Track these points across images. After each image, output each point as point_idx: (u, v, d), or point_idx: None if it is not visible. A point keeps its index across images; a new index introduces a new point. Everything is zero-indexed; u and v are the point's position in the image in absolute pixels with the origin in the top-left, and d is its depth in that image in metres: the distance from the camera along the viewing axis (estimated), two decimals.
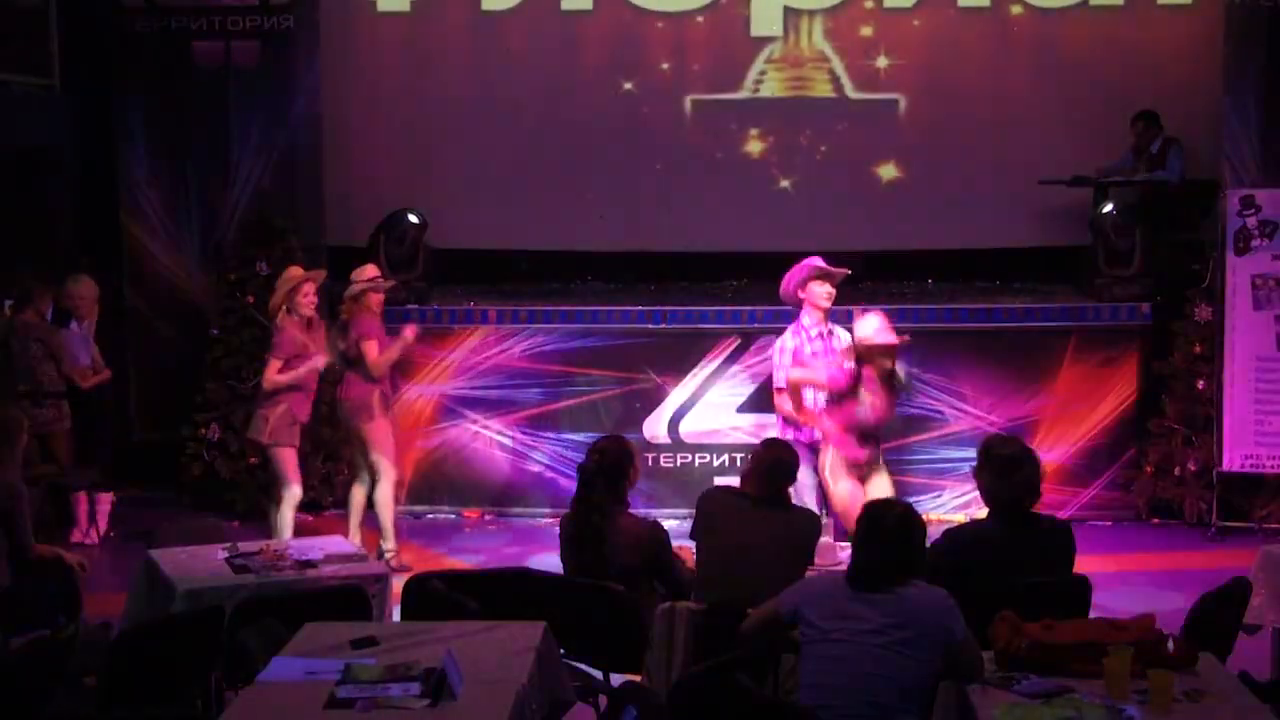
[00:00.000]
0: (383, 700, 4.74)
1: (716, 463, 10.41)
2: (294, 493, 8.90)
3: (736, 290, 11.55)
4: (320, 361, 8.96)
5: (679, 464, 10.57)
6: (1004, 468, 5.92)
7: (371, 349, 9.05)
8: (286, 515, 8.85)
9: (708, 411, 10.56)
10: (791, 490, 7.10)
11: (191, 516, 10.35)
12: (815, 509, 7.99)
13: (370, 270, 9.33)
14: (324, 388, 10.09)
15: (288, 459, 8.90)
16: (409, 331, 9.37)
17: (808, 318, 8.57)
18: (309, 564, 6.77)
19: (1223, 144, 10.57)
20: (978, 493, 6.19)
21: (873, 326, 8.20)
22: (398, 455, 9.56)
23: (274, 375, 8.81)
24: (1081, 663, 4.90)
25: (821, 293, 8.48)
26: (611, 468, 6.40)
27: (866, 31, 11.80)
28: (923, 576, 5.01)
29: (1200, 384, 10.03)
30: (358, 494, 9.34)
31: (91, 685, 5.78)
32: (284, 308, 8.90)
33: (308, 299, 8.93)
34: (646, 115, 11.96)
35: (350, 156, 11.81)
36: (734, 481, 7.44)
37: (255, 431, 9.01)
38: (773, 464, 6.39)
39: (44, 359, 9.71)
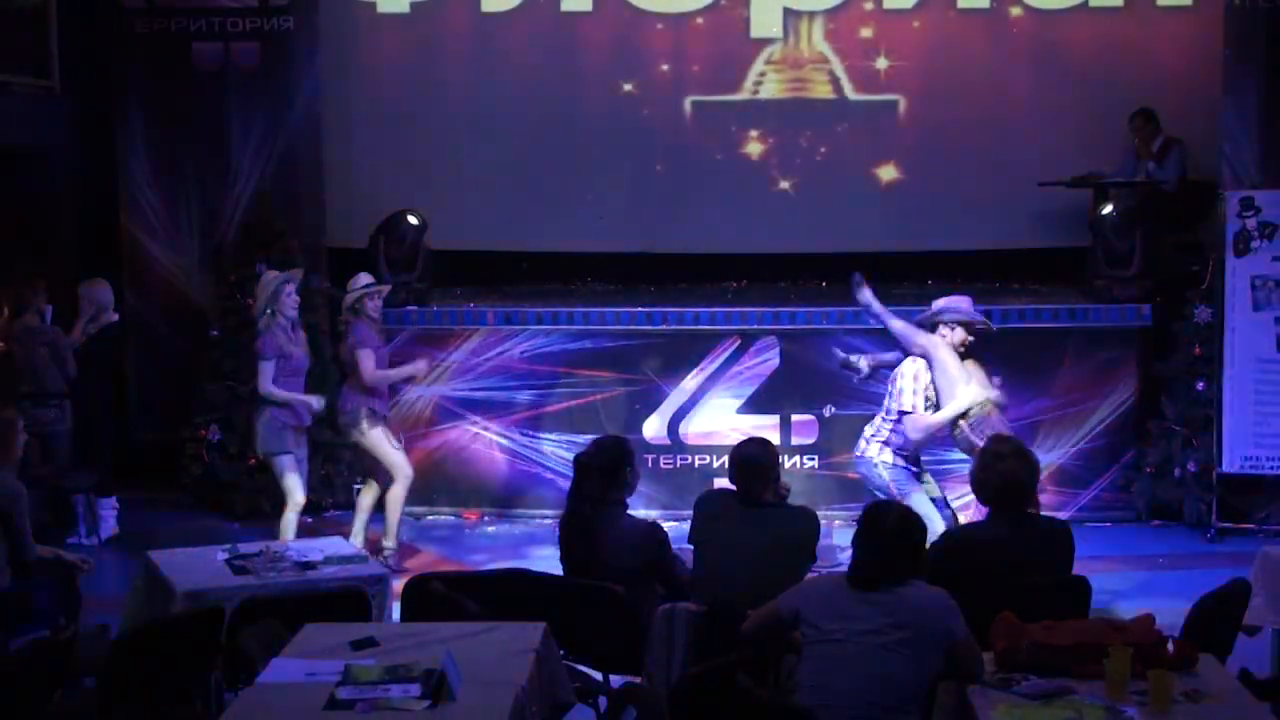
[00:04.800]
0: (383, 701, 4.75)
1: (716, 464, 10.39)
2: (296, 500, 8.81)
3: (736, 291, 11.55)
4: (316, 403, 8.90)
5: (678, 465, 10.57)
6: (988, 460, 6.02)
7: (366, 359, 8.93)
8: (289, 519, 8.79)
9: (707, 413, 10.56)
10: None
11: (191, 518, 10.39)
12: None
13: (364, 278, 9.24)
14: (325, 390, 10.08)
15: (285, 465, 8.80)
16: (421, 364, 9.45)
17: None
18: (309, 565, 6.77)
19: (1222, 145, 10.57)
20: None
21: None
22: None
23: (270, 385, 8.71)
24: (1081, 664, 4.90)
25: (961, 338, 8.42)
26: (609, 463, 6.41)
27: (866, 33, 11.80)
28: (923, 577, 5.02)
29: (1200, 385, 10.03)
30: (365, 497, 9.30)
31: (91, 686, 5.79)
32: (268, 311, 8.80)
33: (291, 299, 8.83)
34: (646, 116, 11.97)
35: (350, 157, 11.82)
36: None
37: (254, 444, 9.04)
38: (738, 462, 6.38)
39: (49, 361, 9.70)
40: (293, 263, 10.36)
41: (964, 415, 8.08)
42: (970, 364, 8.32)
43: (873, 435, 8.28)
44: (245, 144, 11.32)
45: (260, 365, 8.75)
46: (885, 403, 8.33)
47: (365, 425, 9.01)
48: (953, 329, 8.31)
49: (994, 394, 8.28)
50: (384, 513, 9.22)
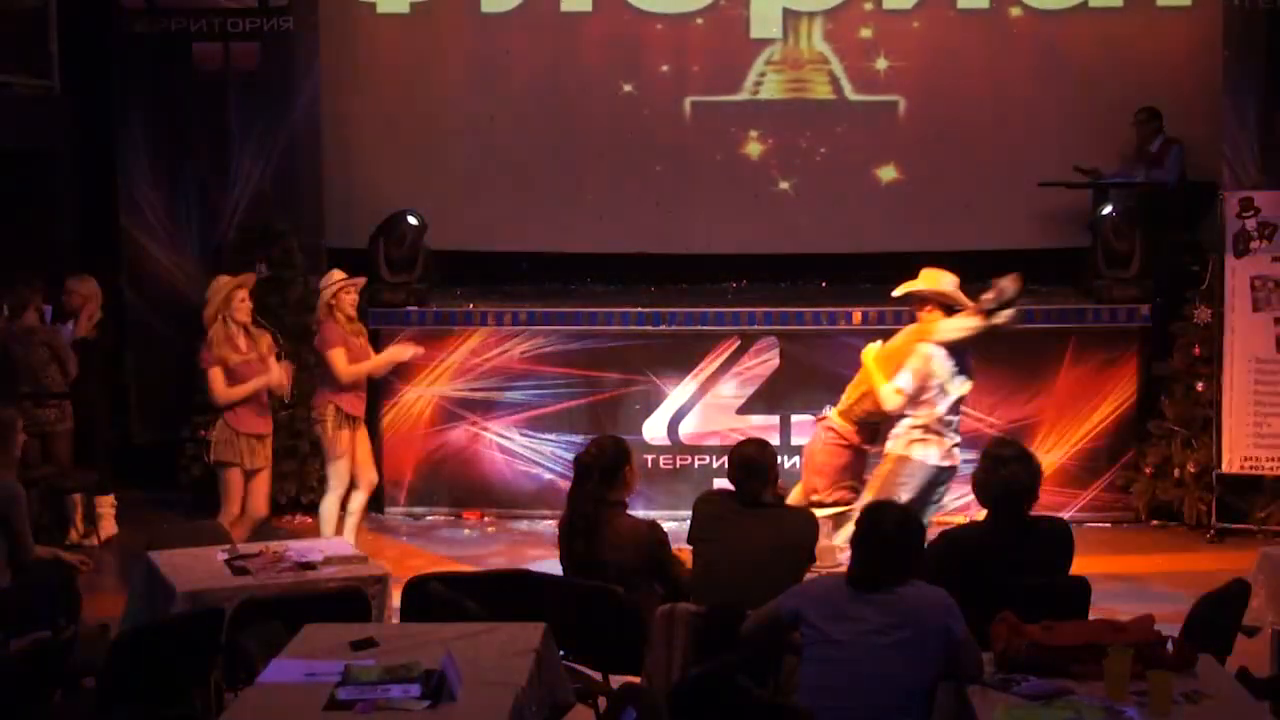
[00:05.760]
0: (382, 702, 4.74)
1: (716, 464, 10.39)
2: (229, 512, 8.56)
3: (736, 292, 11.55)
4: (274, 377, 8.67)
5: (678, 466, 10.57)
6: (990, 464, 6.01)
7: (337, 358, 8.69)
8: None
9: (707, 413, 10.56)
10: None
11: (191, 518, 10.37)
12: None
13: (336, 274, 9.00)
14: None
15: (226, 478, 8.59)
16: (407, 350, 9.24)
17: None
18: (308, 566, 6.77)
19: (1222, 145, 10.58)
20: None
21: None
22: (392, 458, 9.43)
23: (223, 389, 8.52)
24: (1081, 664, 4.90)
25: None
26: (608, 464, 6.40)
27: (866, 33, 11.80)
28: (922, 577, 5.02)
29: (1199, 386, 10.04)
30: (353, 500, 9.25)
31: (91, 686, 5.79)
32: (219, 317, 8.60)
33: (243, 304, 8.66)
34: (646, 117, 11.97)
35: (350, 157, 11.82)
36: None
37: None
38: (737, 462, 6.38)
39: (48, 361, 9.70)
40: (292, 263, 10.34)
41: None
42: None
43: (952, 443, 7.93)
44: (245, 144, 11.32)
45: (209, 375, 8.58)
46: (944, 410, 7.87)
47: (330, 426, 8.77)
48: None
49: None
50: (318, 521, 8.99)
